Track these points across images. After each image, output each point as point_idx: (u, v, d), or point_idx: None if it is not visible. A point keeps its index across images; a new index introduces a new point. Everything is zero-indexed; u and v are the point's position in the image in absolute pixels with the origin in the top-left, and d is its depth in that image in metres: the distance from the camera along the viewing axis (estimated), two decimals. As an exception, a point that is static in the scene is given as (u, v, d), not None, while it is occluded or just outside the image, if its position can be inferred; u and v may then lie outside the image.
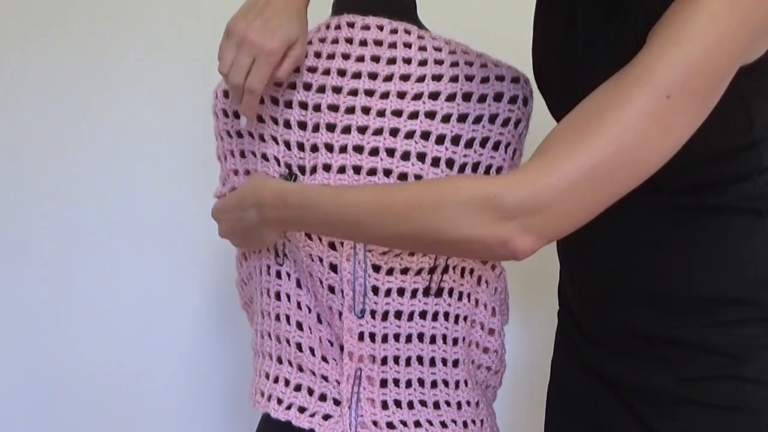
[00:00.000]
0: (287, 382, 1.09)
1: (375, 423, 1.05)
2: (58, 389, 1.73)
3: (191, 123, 1.64)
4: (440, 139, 1.06)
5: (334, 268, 1.06)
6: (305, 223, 1.03)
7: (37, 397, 1.73)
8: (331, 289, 1.07)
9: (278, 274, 1.10)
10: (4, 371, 1.73)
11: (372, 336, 1.06)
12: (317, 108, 1.08)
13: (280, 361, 1.10)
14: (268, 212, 1.04)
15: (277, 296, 1.10)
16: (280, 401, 1.08)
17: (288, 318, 1.09)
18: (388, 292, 1.06)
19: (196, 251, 1.71)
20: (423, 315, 1.07)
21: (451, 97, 1.07)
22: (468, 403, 1.09)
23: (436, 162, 1.06)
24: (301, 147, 1.09)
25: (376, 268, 1.06)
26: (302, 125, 1.09)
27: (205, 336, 1.73)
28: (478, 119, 1.07)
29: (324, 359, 1.07)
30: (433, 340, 1.07)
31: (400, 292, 1.06)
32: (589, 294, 1.06)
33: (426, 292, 1.07)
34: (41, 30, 1.69)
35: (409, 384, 1.06)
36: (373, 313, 1.06)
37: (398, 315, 1.06)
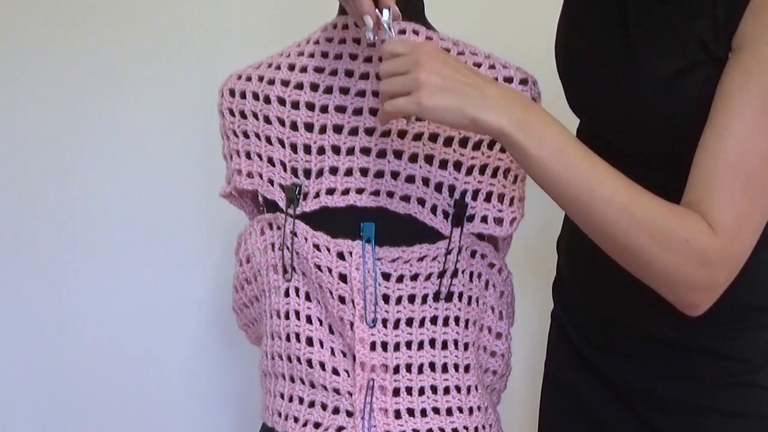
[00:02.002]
0: (301, 400, 1.08)
1: None
2: (60, 391, 1.72)
3: (193, 124, 1.62)
4: (448, 142, 1.05)
5: (343, 278, 1.05)
6: (537, 158, 0.92)
7: (38, 399, 1.72)
8: (342, 300, 1.05)
9: (286, 292, 1.09)
10: (6, 373, 1.72)
11: (384, 345, 1.05)
12: (324, 109, 1.07)
13: (292, 380, 1.09)
14: (516, 110, 0.92)
15: (287, 315, 1.09)
16: (296, 420, 1.08)
17: (298, 336, 1.08)
18: (398, 300, 1.05)
19: (200, 251, 1.70)
20: (434, 321, 1.06)
21: None
22: (479, 408, 1.08)
23: (443, 164, 1.05)
24: (307, 150, 1.07)
25: (386, 276, 1.05)
26: (309, 127, 1.07)
27: (209, 336, 1.72)
28: None
29: (335, 372, 1.06)
30: (444, 345, 1.07)
31: (411, 299, 1.06)
32: (599, 297, 1.07)
33: (436, 297, 1.06)
34: (43, 31, 1.65)
35: (422, 392, 1.06)
36: (384, 321, 1.05)
37: (409, 322, 1.06)
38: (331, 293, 1.05)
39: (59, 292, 1.70)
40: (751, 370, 1.05)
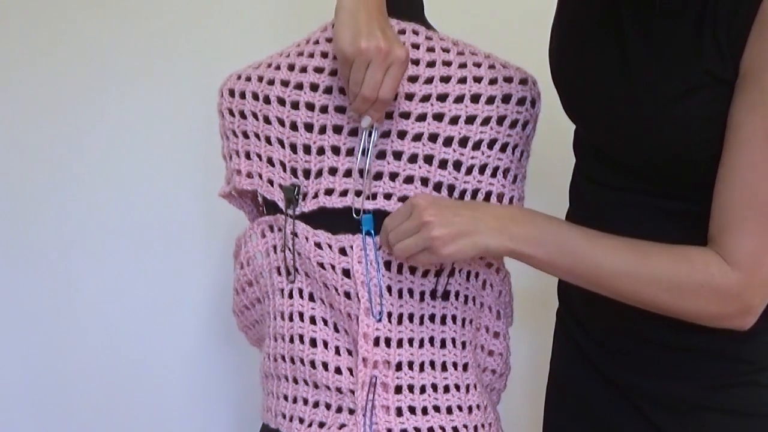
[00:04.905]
0: (306, 401, 1.09)
1: (389, 431, 1.05)
2: (59, 392, 1.72)
3: (193, 124, 1.62)
4: (448, 142, 1.05)
5: (347, 273, 1.05)
6: (544, 260, 1.00)
7: (38, 399, 1.72)
8: (347, 295, 1.05)
9: (290, 294, 1.09)
10: (6, 373, 1.71)
11: (387, 341, 1.05)
12: (324, 110, 1.07)
13: (296, 381, 1.10)
14: (512, 226, 1.00)
15: (290, 317, 1.09)
16: (301, 420, 1.08)
17: (301, 337, 1.08)
18: (400, 293, 1.06)
19: (200, 252, 1.70)
20: (432, 318, 1.07)
21: (459, 99, 1.06)
22: (478, 407, 1.09)
23: (443, 164, 1.05)
24: (307, 150, 1.07)
25: (387, 265, 1.05)
26: (309, 127, 1.07)
27: (208, 338, 1.72)
28: (486, 121, 1.06)
29: (338, 371, 1.06)
30: (443, 344, 1.07)
31: (410, 293, 1.06)
32: (601, 298, 1.07)
33: (433, 295, 1.07)
34: (43, 31, 1.66)
35: (423, 390, 1.06)
36: (389, 315, 1.05)
37: (411, 318, 1.06)
38: (336, 290, 1.06)
39: (59, 293, 1.69)
40: (755, 370, 1.05)
